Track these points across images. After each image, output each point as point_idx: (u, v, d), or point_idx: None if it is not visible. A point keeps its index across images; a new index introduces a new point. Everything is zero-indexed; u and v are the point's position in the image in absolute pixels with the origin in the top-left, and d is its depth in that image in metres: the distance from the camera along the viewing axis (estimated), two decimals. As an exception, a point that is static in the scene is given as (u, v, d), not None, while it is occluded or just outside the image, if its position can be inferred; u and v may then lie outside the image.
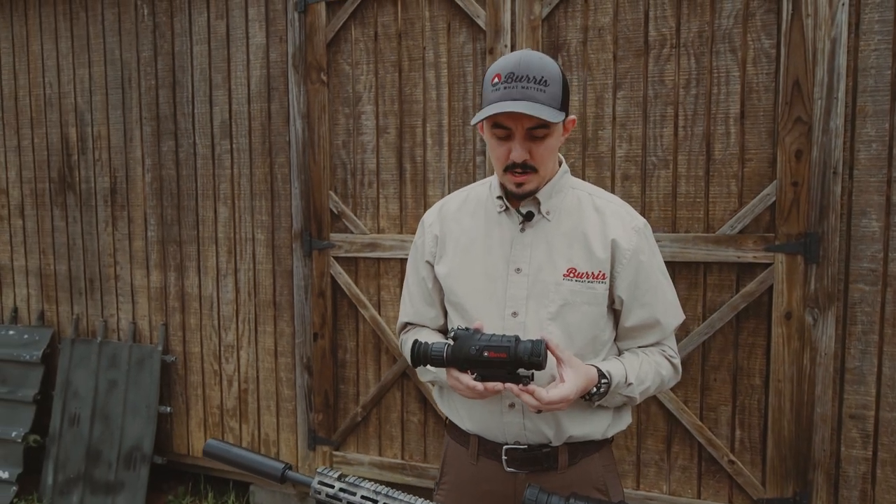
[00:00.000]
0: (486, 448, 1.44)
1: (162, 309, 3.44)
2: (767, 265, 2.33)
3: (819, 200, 2.25)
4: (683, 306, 1.94)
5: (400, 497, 1.08)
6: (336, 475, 1.14)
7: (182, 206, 3.33)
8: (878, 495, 2.29)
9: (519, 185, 1.36)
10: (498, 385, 1.23)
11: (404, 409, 2.96)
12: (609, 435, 1.45)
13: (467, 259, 1.45)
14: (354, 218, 2.94)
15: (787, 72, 2.26)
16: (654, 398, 2.50)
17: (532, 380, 1.24)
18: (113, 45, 3.42)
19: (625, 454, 2.59)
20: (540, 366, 1.20)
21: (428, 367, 1.32)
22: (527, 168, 1.33)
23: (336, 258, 2.98)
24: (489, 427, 1.43)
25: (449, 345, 1.27)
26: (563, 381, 1.25)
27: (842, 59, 2.19)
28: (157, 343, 3.42)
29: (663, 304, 1.43)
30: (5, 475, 3.47)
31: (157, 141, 3.36)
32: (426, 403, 2.90)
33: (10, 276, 3.83)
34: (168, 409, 3.40)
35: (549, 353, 1.24)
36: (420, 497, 1.08)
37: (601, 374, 1.32)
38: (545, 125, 1.29)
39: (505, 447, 1.41)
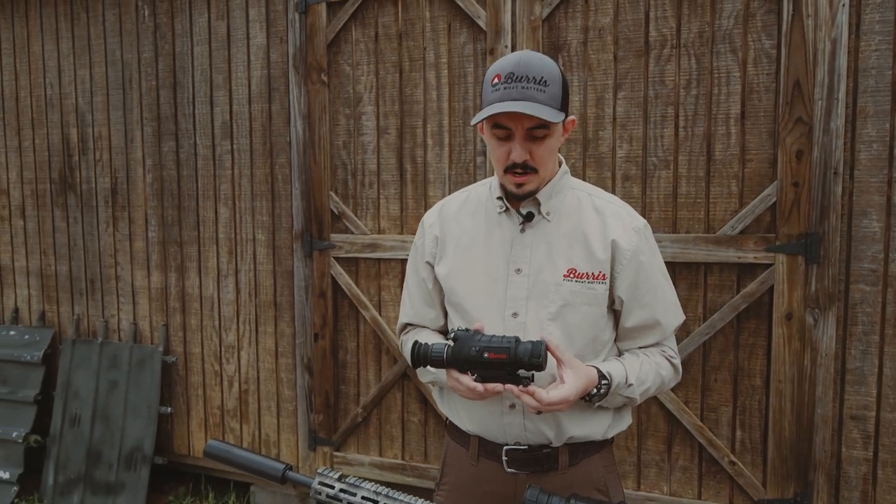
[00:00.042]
0: (487, 449, 1.44)
1: (163, 309, 3.45)
2: (768, 266, 2.33)
3: (820, 201, 2.25)
4: (684, 307, 1.94)
5: (400, 498, 1.08)
6: (336, 476, 1.15)
7: (183, 206, 3.33)
8: (878, 496, 2.29)
9: (519, 185, 1.36)
10: (498, 386, 1.23)
11: (405, 409, 2.96)
12: (609, 435, 1.45)
13: (467, 259, 1.45)
14: (355, 218, 2.94)
15: (788, 72, 2.26)
16: (654, 399, 2.50)
17: (532, 381, 1.24)
18: (114, 46, 3.42)
19: (625, 455, 2.59)
20: (540, 367, 1.20)
21: (428, 367, 1.32)
22: (527, 168, 1.33)
23: (337, 259, 2.98)
24: (489, 428, 1.42)
25: (449, 346, 1.27)
26: (563, 382, 1.25)
27: (842, 60, 2.19)
28: (158, 343, 3.42)
29: (663, 304, 1.43)
30: (6, 475, 3.48)
31: (158, 141, 3.36)
32: (427, 404, 2.90)
33: (10, 277, 3.83)
34: (169, 409, 3.40)
35: (549, 354, 1.24)
36: (420, 498, 1.08)
37: (601, 376, 1.32)
38: (545, 125, 1.29)
39: (505, 448, 1.41)
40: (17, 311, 3.83)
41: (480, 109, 1.32)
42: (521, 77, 1.27)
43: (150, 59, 3.34)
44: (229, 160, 3.21)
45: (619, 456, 2.58)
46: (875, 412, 2.27)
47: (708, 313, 2.44)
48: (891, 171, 2.19)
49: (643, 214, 2.42)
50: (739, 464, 2.44)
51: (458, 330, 1.27)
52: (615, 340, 1.47)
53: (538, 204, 1.41)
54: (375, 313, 2.93)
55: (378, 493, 1.10)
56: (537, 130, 1.30)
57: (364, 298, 2.94)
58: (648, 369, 1.40)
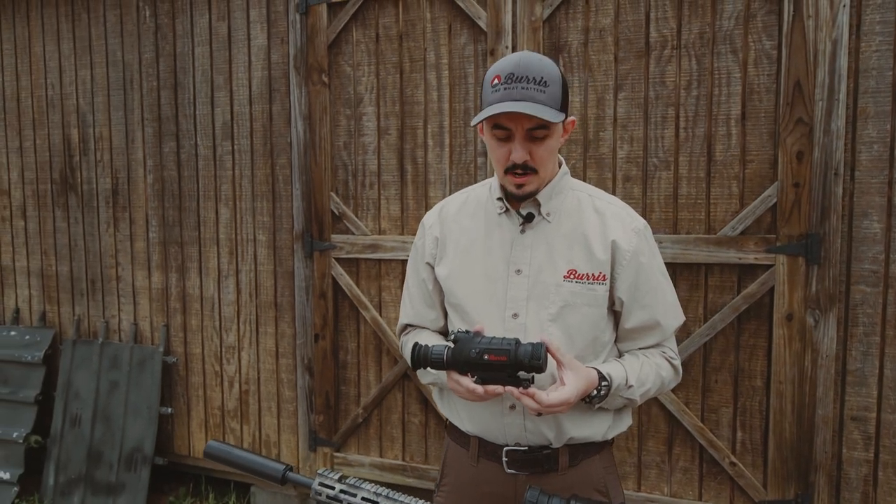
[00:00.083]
0: (487, 449, 1.44)
1: (163, 310, 3.45)
2: (769, 266, 2.33)
3: (820, 202, 2.25)
4: (684, 308, 1.94)
5: (400, 499, 1.08)
6: (337, 477, 1.15)
7: (183, 207, 3.34)
8: (879, 497, 2.28)
9: (519, 186, 1.36)
10: (498, 388, 1.23)
11: (405, 410, 2.96)
12: (609, 436, 1.45)
13: (467, 260, 1.45)
14: (355, 219, 2.94)
15: (789, 73, 2.26)
16: (655, 400, 2.50)
17: (532, 383, 1.23)
18: (115, 47, 3.43)
19: (626, 456, 2.59)
20: (540, 369, 1.20)
21: (428, 369, 1.32)
22: (527, 169, 1.33)
23: (337, 259, 2.98)
24: (490, 429, 1.42)
25: (449, 347, 1.27)
26: (563, 384, 1.25)
27: (843, 61, 2.19)
28: (159, 344, 3.42)
29: (663, 305, 1.43)
30: (6, 476, 3.48)
31: (159, 142, 3.36)
32: (427, 405, 2.90)
33: (11, 277, 3.84)
34: (169, 410, 3.41)
35: (549, 355, 1.24)
36: (420, 499, 1.08)
37: (601, 377, 1.32)
38: (545, 126, 1.30)
39: (505, 449, 1.41)
40: (17, 311, 3.83)
41: (480, 110, 1.32)
42: (521, 77, 1.27)
43: (151, 60, 3.35)
44: (230, 161, 3.21)
45: (620, 457, 2.58)
46: (876, 413, 2.27)
47: (708, 314, 2.43)
48: (891, 172, 2.19)
49: (644, 215, 2.43)
50: (740, 465, 2.44)
51: (458, 332, 1.27)
52: (615, 341, 1.46)
53: (538, 205, 1.41)
54: (376, 314, 2.93)
55: (378, 494, 1.10)
56: (537, 131, 1.30)
57: (365, 299, 2.94)
58: (648, 370, 1.40)
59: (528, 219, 1.40)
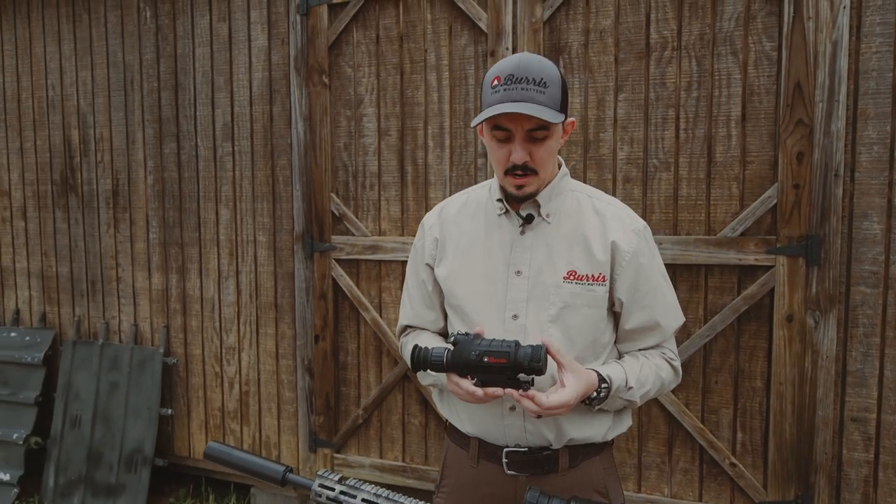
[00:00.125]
0: (487, 451, 1.44)
1: (163, 311, 3.45)
2: (769, 268, 2.33)
3: (820, 203, 2.25)
4: (684, 309, 1.94)
5: (400, 500, 1.08)
6: (337, 478, 1.15)
7: (184, 208, 3.34)
8: (880, 498, 2.28)
9: (519, 187, 1.36)
10: (498, 390, 1.23)
11: (405, 411, 2.96)
12: (609, 437, 1.45)
13: (467, 262, 1.46)
14: (356, 220, 2.94)
15: (789, 74, 2.26)
16: (655, 401, 2.50)
17: (532, 385, 1.24)
18: (115, 48, 3.43)
19: (626, 457, 2.59)
20: (540, 371, 1.20)
21: (428, 371, 1.32)
22: (527, 170, 1.33)
23: (337, 260, 2.98)
24: (490, 430, 1.42)
25: (449, 350, 1.27)
26: (563, 386, 1.25)
27: (843, 62, 2.19)
28: (159, 345, 3.42)
29: (663, 306, 1.43)
30: (6, 477, 3.48)
31: (160, 143, 3.37)
32: (427, 406, 2.90)
33: (12, 278, 3.84)
34: (169, 411, 3.41)
35: (549, 357, 1.24)
36: (420, 500, 1.08)
37: (601, 379, 1.32)
38: (545, 126, 1.30)
39: (505, 450, 1.41)
40: (17, 312, 3.83)
41: (480, 112, 1.32)
42: (521, 79, 1.27)
43: (152, 61, 3.35)
44: (230, 162, 3.22)
45: (620, 458, 2.58)
46: (876, 414, 2.27)
47: (708, 315, 2.43)
48: (891, 174, 2.19)
49: (644, 216, 2.43)
50: (740, 466, 2.44)
51: (458, 334, 1.27)
52: (615, 342, 1.47)
53: (538, 206, 1.41)
54: (376, 315, 2.93)
55: (378, 496, 1.10)
56: (537, 132, 1.31)
57: (365, 300, 2.94)
58: (648, 372, 1.40)
59: (528, 220, 1.40)
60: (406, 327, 1.63)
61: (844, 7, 2.17)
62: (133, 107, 3.42)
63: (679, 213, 2.45)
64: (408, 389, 2.94)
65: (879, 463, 2.28)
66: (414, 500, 1.08)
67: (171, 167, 3.35)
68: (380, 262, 2.91)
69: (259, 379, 3.25)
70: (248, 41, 3.12)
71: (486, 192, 1.50)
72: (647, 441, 2.57)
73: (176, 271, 3.39)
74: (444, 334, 1.57)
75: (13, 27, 3.68)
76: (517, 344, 1.21)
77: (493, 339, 1.24)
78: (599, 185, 2.49)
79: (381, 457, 3.02)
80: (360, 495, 1.11)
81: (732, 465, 2.44)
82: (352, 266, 2.98)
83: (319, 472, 1.16)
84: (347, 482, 1.14)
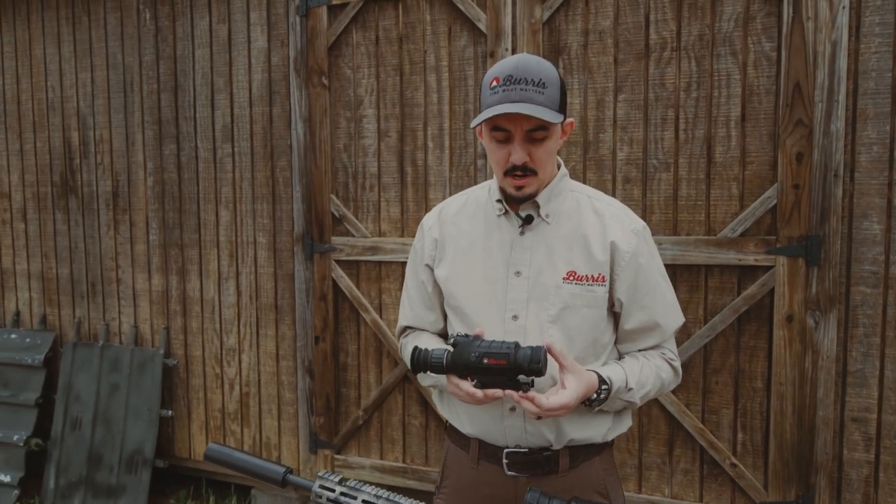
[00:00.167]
0: (487, 452, 1.44)
1: (164, 312, 3.45)
2: (769, 268, 2.33)
3: (820, 203, 2.25)
4: (684, 309, 1.94)
5: (401, 501, 1.08)
6: (337, 479, 1.15)
7: (184, 209, 3.34)
8: (880, 498, 2.28)
9: (519, 188, 1.36)
10: (498, 392, 1.23)
11: (405, 412, 2.96)
12: (609, 438, 1.45)
13: (467, 262, 1.46)
14: (356, 221, 2.95)
15: (788, 75, 2.26)
16: (655, 401, 2.50)
17: (532, 386, 1.24)
18: (115, 49, 3.43)
19: (626, 457, 2.59)
20: (540, 372, 1.20)
21: (428, 373, 1.32)
22: (526, 171, 1.33)
23: (337, 261, 2.98)
24: (490, 431, 1.42)
25: (449, 351, 1.27)
26: (563, 387, 1.25)
27: (842, 62, 2.19)
28: (159, 346, 3.43)
29: (663, 306, 1.43)
30: (7, 479, 3.48)
31: (159, 144, 3.37)
32: (427, 407, 2.90)
33: (12, 280, 3.84)
34: (169, 412, 3.40)
35: (549, 358, 1.24)
36: (421, 501, 1.08)
37: (602, 381, 1.32)
38: (544, 127, 1.30)
39: (506, 451, 1.41)
40: (18, 314, 3.83)
41: (479, 113, 1.32)
42: (520, 79, 1.27)
43: (152, 63, 3.35)
44: (230, 163, 3.22)
45: (621, 458, 2.58)
46: (876, 414, 2.27)
47: (708, 316, 2.43)
48: (891, 174, 2.19)
49: (644, 217, 2.43)
50: (741, 466, 2.43)
51: (458, 336, 1.27)
52: (615, 343, 1.47)
53: (537, 206, 1.41)
54: (376, 316, 2.93)
55: (378, 497, 1.10)
56: (536, 132, 1.31)
57: (365, 301, 2.95)
58: (648, 372, 1.40)
59: (528, 220, 1.40)
60: (406, 328, 1.63)
61: (844, 7, 2.17)
62: (133, 108, 3.42)
63: (679, 214, 2.45)
64: (408, 390, 2.94)
65: (880, 463, 2.28)
66: (414, 502, 1.08)
67: (170, 169, 3.35)
68: (380, 263, 2.92)
69: (259, 380, 3.25)
70: (247, 43, 3.13)
71: (485, 192, 1.51)
72: (648, 441, 2.57)
73: (176, 273, 3.39)
74: (443, 335, 1.57)
75: (13, 29, 3.69)
76: (517, 345, 1.21)
77: (493, 341, 1.24)
78: (599, 185, 2.49)
79: (381, 458, 3.02)
80: (361, 496, 1.11)
81: (733, 465, 2.44)
82: (352, 267, 2.98)
83: (320, 474, 1.16)
84: (348, 483, 1.14)
